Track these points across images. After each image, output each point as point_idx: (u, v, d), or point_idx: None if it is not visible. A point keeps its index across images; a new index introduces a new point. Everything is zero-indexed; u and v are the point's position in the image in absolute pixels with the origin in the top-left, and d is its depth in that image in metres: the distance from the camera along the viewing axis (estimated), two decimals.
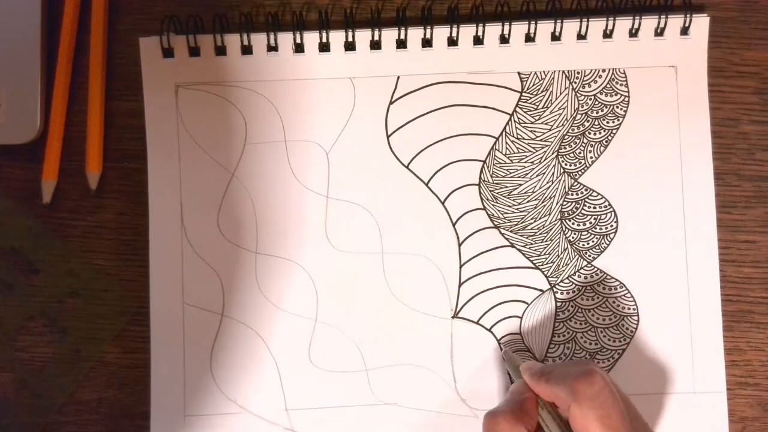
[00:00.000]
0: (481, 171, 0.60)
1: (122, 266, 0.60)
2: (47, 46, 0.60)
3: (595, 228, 0.60)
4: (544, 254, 0.60)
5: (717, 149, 0.60)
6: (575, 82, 0.60)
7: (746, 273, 0.61)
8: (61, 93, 0.59)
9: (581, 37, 0.59)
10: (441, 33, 0.59)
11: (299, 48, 0.60)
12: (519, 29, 0.59)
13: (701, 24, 0.59)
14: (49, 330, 0.59)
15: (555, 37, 0.59)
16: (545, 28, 0.59)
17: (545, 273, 0.60)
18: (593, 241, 0.60)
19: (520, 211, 0.60)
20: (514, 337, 0.59)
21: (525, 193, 0.60)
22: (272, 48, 0.60)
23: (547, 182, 0.60)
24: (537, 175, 0.60)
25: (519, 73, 0.60)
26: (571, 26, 0.59)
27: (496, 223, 0.60)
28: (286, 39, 0.59)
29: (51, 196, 0.59)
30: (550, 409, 0.51)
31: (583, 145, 0.60)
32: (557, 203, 0.60)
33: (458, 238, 0.59)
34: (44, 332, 0.59)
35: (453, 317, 0.59)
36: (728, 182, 0.61)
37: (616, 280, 0.60)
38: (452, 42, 0.59)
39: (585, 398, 0.48)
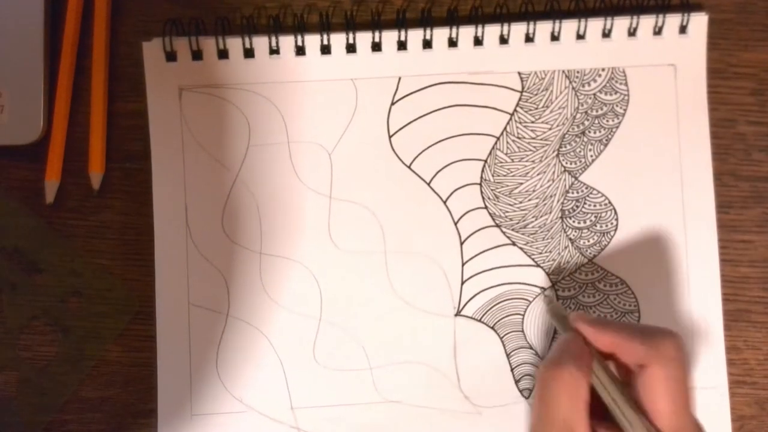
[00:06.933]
0: (483, 170, 0.60)
1: (125, 265, 0.60)
2: (50, 47, 0.60)
3: (596, 226, 0.60)
4: (545, 252, 0.60)
5: (714, 150, 0.60)
6: (575, 82, 0.60)
7: (743, 272, 0.61)
8: (63, 94, 0.59)
9: (580, 36, 0.60)
10: (441, 34, 0.60)
11: (301, 50, 0.60)
12: (518, 29, 0.60)
13: (700, 22, 0.60)
14: (52, 329, 0.59)
15: (554, 37, 0.60)
16: (544, 28, 0.60)
17: (546, 271, 0.60)
18: (594, 239, 0.60)
19: (521, 210, 0.60)
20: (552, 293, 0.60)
21: (526, 191, 0.60)
22: (274, 51, 0.60)
23: (548, 181, 0.60)
24: (538, 174, 0.60)
25: (519, 73, 0.60)
26: (570, 26, 0.60)
27: (497, 222, 0.60)
28: (287, 42, 0.60)
29: (54, 197, 0.59)
30: (603, 363, 0.49)
31: (584, 143, 0.60)
32: (558, 201, 0.60)
33: (460, 236, 0.60)
34: (47, 331, 0.59)
35: (455, 315, 0.59)
36: (725, 182, 0.61)
37: (617, 277, 0.60)
38: (452, 43, 0.60)
39: (670, 358, 0.47)
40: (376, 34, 0.60)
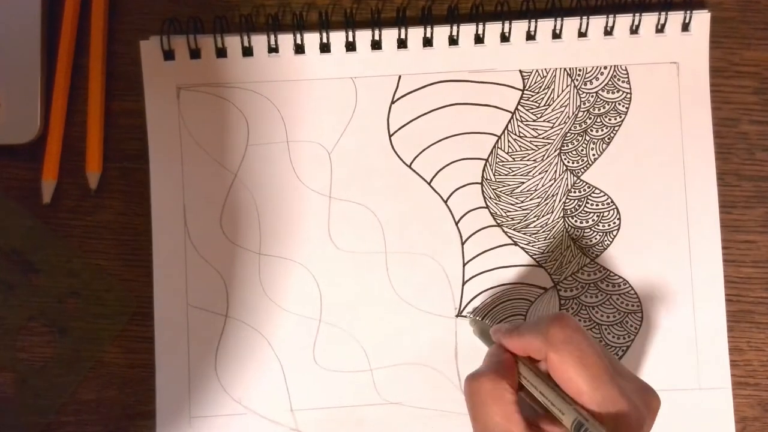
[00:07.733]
0: (484, 169, 0.60)
1: (122, 266, 0.59)
2: (47, 46, 0.59)
3: (598, 225, 0.60)
4: (548, 252, 0.60)
5: (717, 149, 0.60)
6: (577, 80, 0.60)
7: (746, 273, 0.61)
8: (61, 93, 0.59)
9: (582, 34, 0.60)
10: (442, 32, 0.59)
11: (300, 49, 0.60)
12: (520, 27, 0.59)
13: (702, 20, 0.60)
14: (50, 330, 0.59)
15: (556, 35, 0.60)
16: (546, 25, 0.59)
17: (548, 271, 0.59)
18: (596, 239, 0.60)
19: (523, 209, 0.60)
20: (478, 309, 0.60)
21: (528, 191, 0.60)
22: (273, 49, 0.59)
23: (550, 180, 0.60)
24: (539, 173, 0.60)
25: (520, 71, 0.60)
26: (571, 24, 0.59)
27: (499, 222, 0.59)
28: (286, 40, 0.59)
29: (51, 196, 0.59)
30: (528, 364, 0.50)
31: (586, 142, 0.60)
32: (560, 201, 0.60)
33: (461, 236, 0.59)
34: (44, 332, 0.59)
35: (457, 316, 0.59)
36: (728, 182, 0.61)
37: (620, 277, 0.59)
38: (453, 41, 0.60)
39: (560, 341, 0.47)
40: (376, 32, 0.59)
